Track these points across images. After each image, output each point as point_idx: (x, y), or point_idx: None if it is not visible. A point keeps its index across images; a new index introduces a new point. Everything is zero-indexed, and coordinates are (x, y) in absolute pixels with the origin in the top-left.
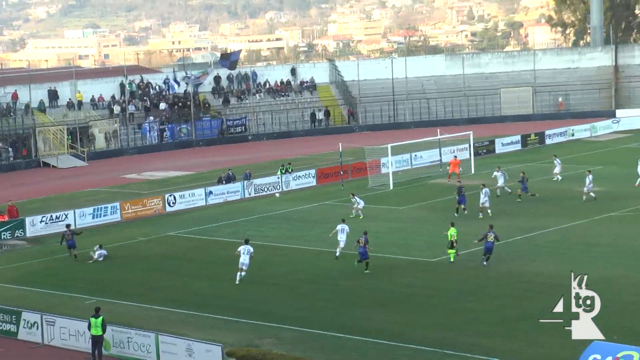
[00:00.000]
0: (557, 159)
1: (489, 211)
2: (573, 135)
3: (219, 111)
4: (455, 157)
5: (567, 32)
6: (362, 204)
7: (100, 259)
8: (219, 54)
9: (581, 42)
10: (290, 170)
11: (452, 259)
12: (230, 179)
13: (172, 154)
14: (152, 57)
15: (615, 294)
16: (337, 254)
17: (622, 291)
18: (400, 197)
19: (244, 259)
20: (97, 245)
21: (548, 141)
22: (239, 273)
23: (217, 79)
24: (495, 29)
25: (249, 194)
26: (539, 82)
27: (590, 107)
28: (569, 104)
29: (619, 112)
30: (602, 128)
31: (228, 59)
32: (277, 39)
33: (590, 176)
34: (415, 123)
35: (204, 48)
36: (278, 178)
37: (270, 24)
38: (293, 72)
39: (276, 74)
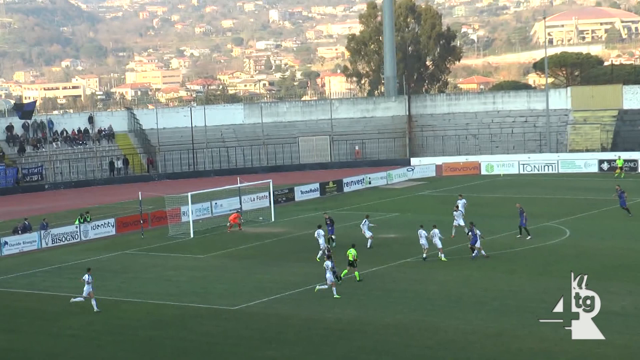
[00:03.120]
0: (461, 199)
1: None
2: (370, 183)
3: (14, 160)
4: (237, 210)
5: (362, 82)
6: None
7: None
8: (12, 102)
9: (376, 92)
10: (88, 220)
11: (358, 278)
12: (26, 229)
13: None
14: None
15: (411, 339)
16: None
17: (418, 335)
18: (201, 245)
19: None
20: None
21: (346, 189)
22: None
23: (10, 127)
24: (292, 78)
25: (46, 244)
26: (336, 131)
27: (386, 155)
28: (366, 153)
29: (414, 161)
30: (398, 176)
31: (22, 109)
32: (74, 87)
33: (369, 222)
34: (215, 171)
35: None
36: (76, 227)
37: (66, 72)
38: (91, 120)
39: (73, 122)
